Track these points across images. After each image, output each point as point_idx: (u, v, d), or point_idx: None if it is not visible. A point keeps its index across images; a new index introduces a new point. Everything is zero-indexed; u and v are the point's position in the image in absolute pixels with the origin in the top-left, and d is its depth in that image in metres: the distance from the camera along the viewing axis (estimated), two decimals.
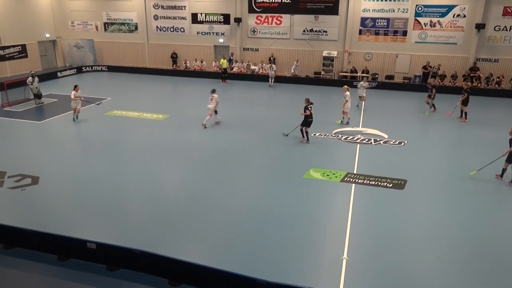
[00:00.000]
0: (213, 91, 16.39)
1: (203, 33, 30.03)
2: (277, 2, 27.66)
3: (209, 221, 9.13)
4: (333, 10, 26.75)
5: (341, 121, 17.30)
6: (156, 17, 30.72)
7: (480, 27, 24.20)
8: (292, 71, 27.37)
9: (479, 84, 24.59)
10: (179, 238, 8.44)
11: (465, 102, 17.93)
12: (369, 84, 16.96)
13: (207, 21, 29.65)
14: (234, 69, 28.55)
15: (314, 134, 15.57)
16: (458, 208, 10.01)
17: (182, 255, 7.30)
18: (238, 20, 28.45)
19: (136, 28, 31.44)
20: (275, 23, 28.21)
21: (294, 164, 12.62)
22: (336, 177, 11.63)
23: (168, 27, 30.73)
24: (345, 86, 17.42)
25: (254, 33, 28.88)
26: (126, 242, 7.79)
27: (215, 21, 29.48)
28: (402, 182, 11.32)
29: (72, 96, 16.71)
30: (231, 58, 29.05)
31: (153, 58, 31.64)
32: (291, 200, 10.21)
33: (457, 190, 11.05)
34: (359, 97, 19.87)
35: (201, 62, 29.67)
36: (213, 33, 29.80)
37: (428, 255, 8.04)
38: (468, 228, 9.06)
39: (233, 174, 11.89)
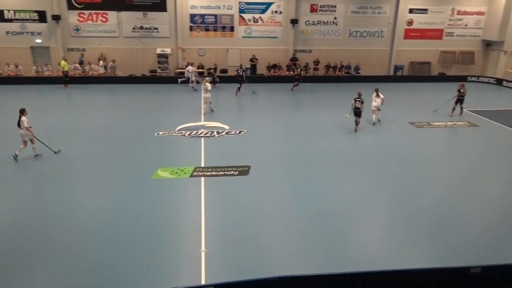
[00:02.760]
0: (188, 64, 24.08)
1: (14, 33, 26.09)
2: None
3: (55, 242, 8.12)
4: (161, 6, 26.49)
5: (209, 109, 18.50)
6: None
7: (294, 22, 27.36)
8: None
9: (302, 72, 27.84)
10: (20, 272, 7.28)
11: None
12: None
13: (18, 19, 25.85)
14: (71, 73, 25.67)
15: (158, 133, 15.31)
16: (296, 183, 11.25)
17: None
18: (56, 18, 25.62)
19: None
20: (101, 20, 26.43)
21: (141, 166, 12.19)
22: (185, 173, 11.70)
23: None
24: (207, 78, 18.96)
25: (77, 31, 26.49)
26: None
27: (28, 19, 25.92)
28: (247, 168, 12.09)
29: (26, 124, 12.30)
30: (82, 60, 26.09)
31: None
32: (142, 204, 9.86)
33: (294, 167, 12.41)
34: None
35: (16, 66, 25.76)
36: (27, 32, 26.17)
37: (279, 231, 8.83)
38: (309, 200, 10.27)
39: (76, 187, 10.80)
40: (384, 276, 6.86)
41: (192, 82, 24.15)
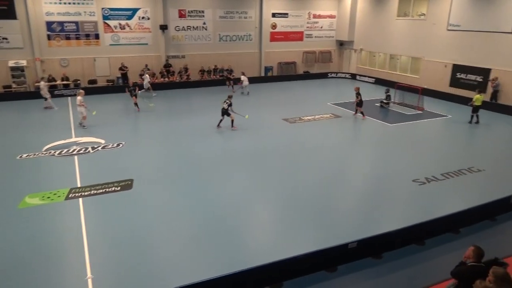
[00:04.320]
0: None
1: None
2: None
3: None
4: (9, 14, 23.44)
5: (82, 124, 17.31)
6: None
7: (163, 28, 26.92)
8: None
9: (175, 78, 27.56)
10: None
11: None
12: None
13: None
14: None
15: (21, 156, 13.59)
16: (182, 190, 11.14)
17: None
18: None
19: None
20: None
21: (3, 196, 10.67)
22: (58, 197, 10.63)
23: None
24: (81, 91, 17.60)
25: None
26: None
27: None
28: (129, 182, 11.54)
29: None
30: None
31: None
32: (11, 239, 8.65)
33: (178, 174, 12.25)
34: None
35: None
36: None
37: (169, 242, 8.63)
38: (198, 204, 10.25)
39: None
40: (273, 267, 7.28)
41: (46, 99, 21.08)
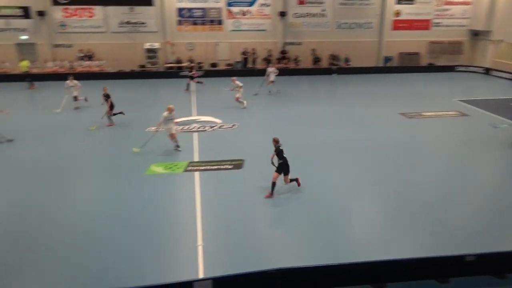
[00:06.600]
0: None
1: None
2: None
3: (53, 238, 8.01)
4: (147, 1, 26.15)
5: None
6: None
7: (282, 14, 27.23)
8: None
9: (289, 64, 27.79)
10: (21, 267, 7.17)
11: None
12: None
13: (2, 16, 25.30)
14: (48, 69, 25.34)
15: (149, 129, 15.17)
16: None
17: None
18: (41, 14, 25.13)
19: None
20: (87, 15, 26.02)
21: (134, 163, 12.06)
22: (178, 168, 11.62)
23: None
24: (170, 106, 15.47)
25: (63, 27, 26.03)
26: None
27: (12, 15, 25.39)
28: (241, 162, 12.05)
29: None
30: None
31: None
32: (136, 199, 9.78)
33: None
34: (271, 81, 21.29)
35: (2, 63, 25.28)
36: (12, 29, 25.63)
37: (275, 222, 8.83)
38: (315, 191, 10.28)
39: (75, 184, 10.65)
40: (375, 266, 6.93)
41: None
